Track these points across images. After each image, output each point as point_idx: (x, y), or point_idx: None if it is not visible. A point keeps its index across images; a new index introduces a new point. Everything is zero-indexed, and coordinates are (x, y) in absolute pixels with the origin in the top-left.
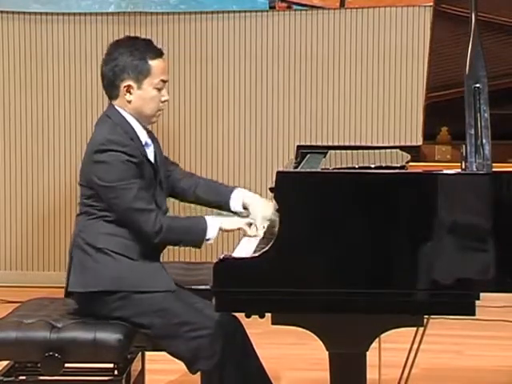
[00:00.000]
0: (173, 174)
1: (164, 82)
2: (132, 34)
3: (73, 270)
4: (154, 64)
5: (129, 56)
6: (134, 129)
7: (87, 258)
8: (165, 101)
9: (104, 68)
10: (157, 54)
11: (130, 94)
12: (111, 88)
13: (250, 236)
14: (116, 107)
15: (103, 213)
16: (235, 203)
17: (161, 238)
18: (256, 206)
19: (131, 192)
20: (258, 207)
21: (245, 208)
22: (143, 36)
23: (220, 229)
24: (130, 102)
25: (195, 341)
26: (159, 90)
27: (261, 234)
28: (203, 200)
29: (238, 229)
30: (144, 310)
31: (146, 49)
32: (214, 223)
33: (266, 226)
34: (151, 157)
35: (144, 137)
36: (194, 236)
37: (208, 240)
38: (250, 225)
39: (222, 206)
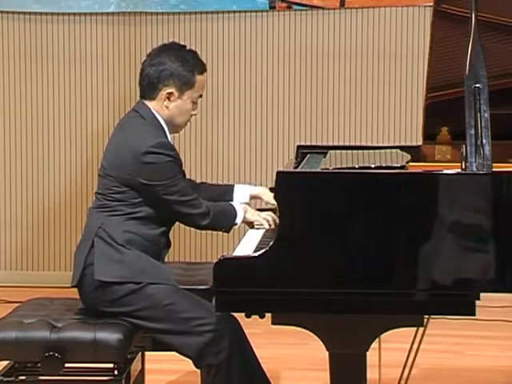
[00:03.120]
0: None
1: (200, 96)
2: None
3: (97, 259)
4: (199, 79)
5: (180, 65)
6: (165, 132)
7: (112, 249)
8: (193, 115)
9: (148, 68)
10: (203, 69)
11: (170, 100)
12: (151, 89)
13: (258, 228)
14: (150, 107)
15: (132, 209)
16: (240, 197)
17: (209, 220)
18: (267, 193)
19: (179, 186)
20: (269, 194)
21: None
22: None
23: (244, 217)
24: (167, 107)
25: (203, 336)
26: (194, 103)
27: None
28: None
29: (254, 221)
30: (154, 303)
31: (195, 61)
32: (240, 209)
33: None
34: None
35: (170, 139)
36: (228, 220)
37: (236, 224)
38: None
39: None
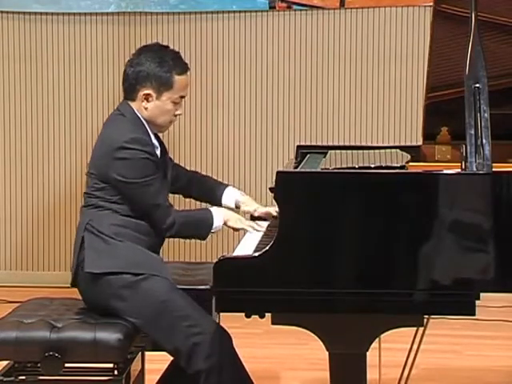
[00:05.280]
0: (174, 173)
1: (182, 97)
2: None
3: (87, 252)
4: (178, 79)
5: (157, 66)
6: (147, 129)
7: (101, 242)
8: (177, 115)
9: (128, 69)
10: (183, 69)
11: (148, 101)
12: (131, 90)
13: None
14: (132, 106)
15: (113, 205)
16: (227, 200)
17: (173, 232)
18: (251, 202)
19: (153, 188)
20: (253, 203)
21: (237, 207)
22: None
23: (225, 223)
24: (146, 108)
25: (195, 337)
26: (176, 104)
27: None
28: (196, 197)
29: (240, 229)
30: (150, 300)
31: (174, 62)
32: (219, 214)
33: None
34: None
35: (153, 138)
36: (201, 229)
37: (213, 232)
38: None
39: (212, 203)
